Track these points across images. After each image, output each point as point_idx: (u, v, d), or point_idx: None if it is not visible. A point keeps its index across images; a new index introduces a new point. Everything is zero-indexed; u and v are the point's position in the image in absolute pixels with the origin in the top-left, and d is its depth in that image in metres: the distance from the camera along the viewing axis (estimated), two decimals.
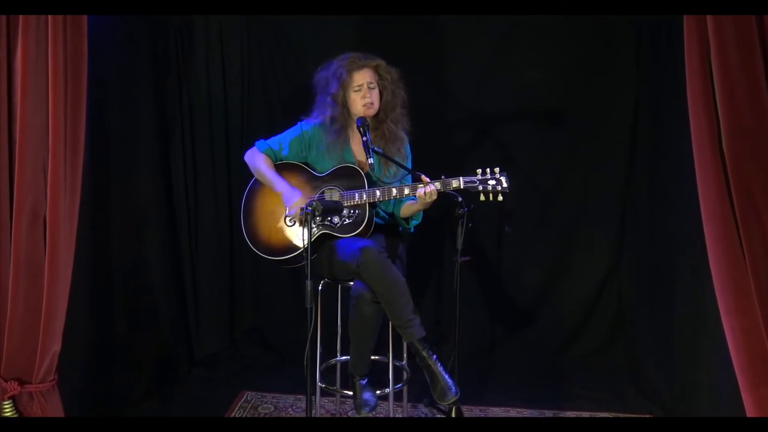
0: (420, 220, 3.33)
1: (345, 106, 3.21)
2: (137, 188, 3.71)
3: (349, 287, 3.06)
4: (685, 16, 2.25)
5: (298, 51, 4.15)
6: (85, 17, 2.45)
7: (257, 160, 3.26)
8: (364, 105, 3.17)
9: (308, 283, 2.72)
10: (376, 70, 3.22)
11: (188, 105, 4.05)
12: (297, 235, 3.17)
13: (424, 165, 3.22)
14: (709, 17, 2.15)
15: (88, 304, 3.21)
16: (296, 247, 3.16)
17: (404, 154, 3.28)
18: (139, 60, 3.72)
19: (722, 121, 2.17)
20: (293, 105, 3.56)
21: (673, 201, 3.54)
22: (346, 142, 3.26)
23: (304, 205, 2.83)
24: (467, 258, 3.14)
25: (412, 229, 3.37)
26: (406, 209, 3.25)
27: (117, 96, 3.53)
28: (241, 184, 3.41)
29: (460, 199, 3.01)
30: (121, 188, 3.57)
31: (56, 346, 2.45)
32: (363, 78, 3.17)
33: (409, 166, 3.29)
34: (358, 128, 3.12)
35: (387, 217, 3.33)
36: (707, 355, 3.12)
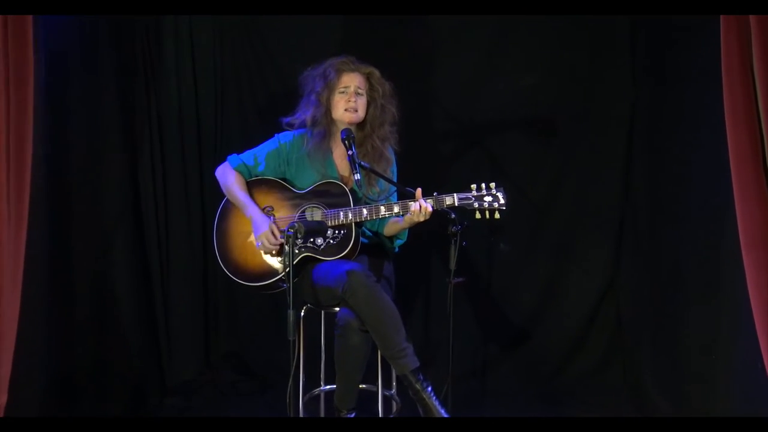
0: (405, 239, 3.13)
1: (328, 109, 2.98)
2: (102, 206, 3.44)
3: (334, 313, 2.83)
4: (722, 17, 2.00)
5: (275, 56, 3.93)
6: (29, 18, 2.15)
7: (228, 179, 3.02)
8: (346, 109, 2.95)
9: (291, 313, 2.50)
10: (368, 78, 3.02)
11: (157, 115, 3.79)
12: (276, 259, 2.92)
13: (409, 178, 3.02)
14: (752, 17, 1.90)
15: (45, 335, 2.92)
16: (275, 272, 2.91)
17: (390, 175, 3.05)
18: (103, 67, 3.45)
19: (767, 135, 1.94)
20: (269, 114, 3.35)
21: (675, 214, 3.38)
22: (328, 152, 3.03)
23: (279, 232, 2.58)
24: (461, 279, 2.91)
25: (397, 249, 3.16)
26: (391, 228, 3.03)
27: (78, 106, 3.27)
28: (216, 200, 3.18)
29: (453, 216, 2.79)
30: (84, 207, 3.30)
31: (2, 397, 2.16)
32: (351, 81, 2.97)
33: None
34: (344, 141, 2.88)
35: (372, 235, 3.09)
36: (721, 375, 2.96)
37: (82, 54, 3.29)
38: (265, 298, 4.03)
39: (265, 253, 2.91)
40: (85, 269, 3.30)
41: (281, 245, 2.86)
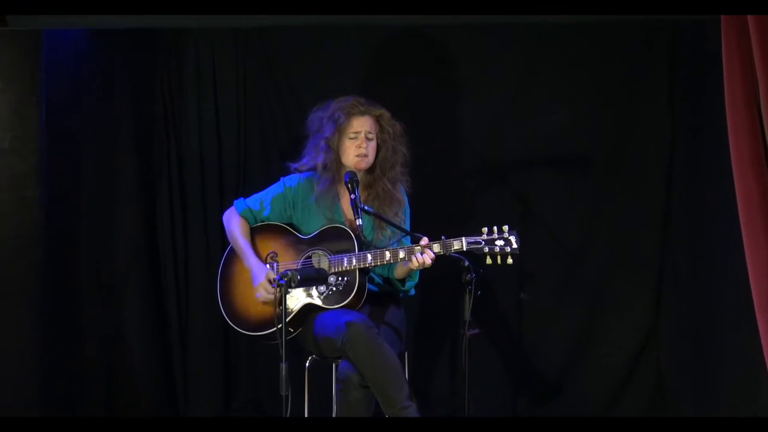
0: (416, 280, 2.99)
1: (338, 154, 2.90)
2: (114, 249, 3.45)
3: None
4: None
5: (299, 97, 3.85)
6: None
7: (232, 224, 2.97)
8: (357, 155, 2.85)
9: (283, 366, 2.39)
10: (377, 120, 2.93)
11: (177, 158, 3.76)
12: (279, 307, 2.81)
13: (433, 220, 2.97)
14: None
15: (43, 377, 2.91)
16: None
17: (401, 219, 2.93)
18: (120, 109, 3.49)
19: None
20: (293, 156, 3.27)
21: (720, 259, 3.19)
22: (336, 198, 2.94)
23: (272, 281, 2.47)
24: (476, 331, 2.76)
25: (413, 291, 3.03)
26: (400, 270, 2.90)
27: (93, 148, 3.34)
28: None
29: (467, 263, 2.65)
30: (95, 249, 3.33)
31: None
32: (362, 126, 2.87)
33: (407, 229, 2.95)
34: (346, 184, 2.80)
35: (382, 282, 2.97)
36: None
37: (100, 99, 3.35)
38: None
39: (264, 303, 2.80)
40: (93, 316, 3.29)
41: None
